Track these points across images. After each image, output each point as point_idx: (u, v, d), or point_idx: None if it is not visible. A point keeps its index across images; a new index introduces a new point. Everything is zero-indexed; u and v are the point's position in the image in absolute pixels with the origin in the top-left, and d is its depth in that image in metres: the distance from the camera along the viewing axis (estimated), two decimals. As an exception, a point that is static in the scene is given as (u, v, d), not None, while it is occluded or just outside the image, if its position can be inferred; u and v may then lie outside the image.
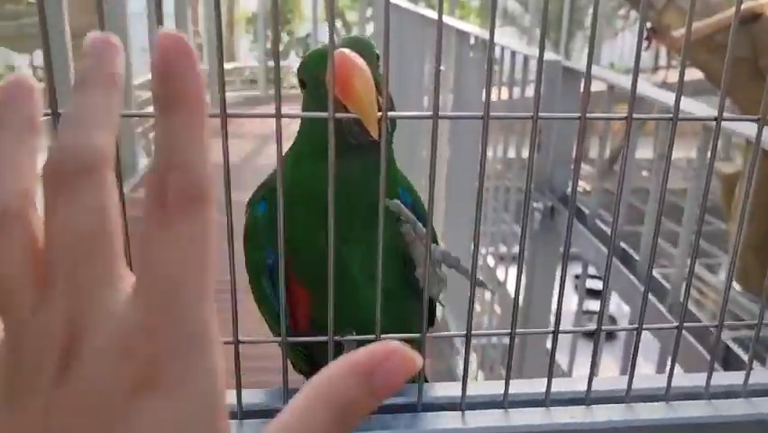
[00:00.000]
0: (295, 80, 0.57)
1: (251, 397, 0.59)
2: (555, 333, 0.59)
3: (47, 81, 0.47)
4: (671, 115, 0.55)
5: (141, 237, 0.20)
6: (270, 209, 0.59)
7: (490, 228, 2.94)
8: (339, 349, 0.55)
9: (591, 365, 0.62)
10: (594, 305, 4.07)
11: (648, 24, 4.45)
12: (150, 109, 0.28)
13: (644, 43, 4.72)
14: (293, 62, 11.14)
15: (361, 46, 0.53)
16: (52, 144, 0.21)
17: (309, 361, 0.68)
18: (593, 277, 4.38)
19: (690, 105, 1.72)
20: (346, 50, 0.50)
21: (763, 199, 3.02)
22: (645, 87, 2.06)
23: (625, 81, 2.09)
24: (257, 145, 5.99)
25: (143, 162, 7.16)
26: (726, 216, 3.95)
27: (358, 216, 0.56)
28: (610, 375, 1.28)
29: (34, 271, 0.21)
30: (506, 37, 3.68)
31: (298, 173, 0.57)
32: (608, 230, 1.96)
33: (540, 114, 0.54)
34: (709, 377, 0.62)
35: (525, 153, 2.88)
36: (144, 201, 0.20)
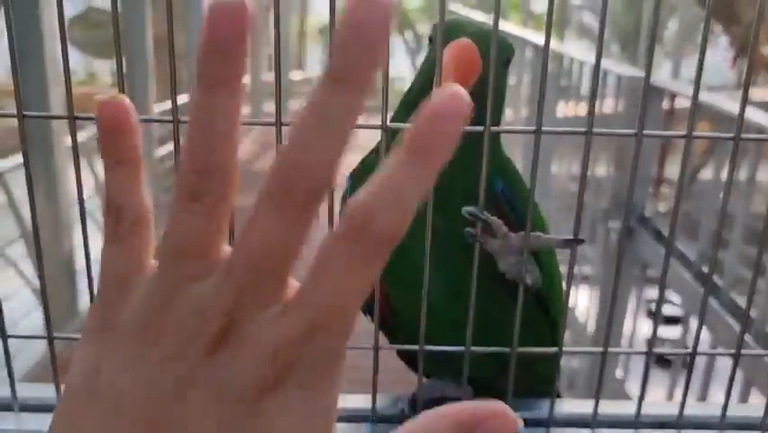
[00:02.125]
0: None
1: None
2: (604, 354, 0.58)
3: (118, 86, 0.48)
4: (732, 135, 0.53)
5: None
6: (354, 185, 0.62)
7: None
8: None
9: (642, 385, 0.61)
10: (669, 332, 3.92)
11: (731, 40, 4.28)
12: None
13: (730, 61, 4.53)
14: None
15: (486, 42, 0.54)
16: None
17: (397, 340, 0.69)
18: (670, 303, 4.21)
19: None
20: (466, 41, 0.51)
21: None
22: (729, 105, 1.99)
23: (708, 98, 2.02)
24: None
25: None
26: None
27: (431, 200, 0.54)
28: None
29: (214, 245, 0.21)
30: (582, 50, 3.61)
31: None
32: (688, 253, 1.90)
33: (594, 129, 0.53)
34: None
35: (601, 172, 2.80)
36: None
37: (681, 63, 8.86)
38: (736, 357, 0.60)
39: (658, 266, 2.04)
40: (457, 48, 0.50)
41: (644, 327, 2.71)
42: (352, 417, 0.60)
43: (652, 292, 3.47)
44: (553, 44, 3.32)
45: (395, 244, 0.19)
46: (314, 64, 12.05)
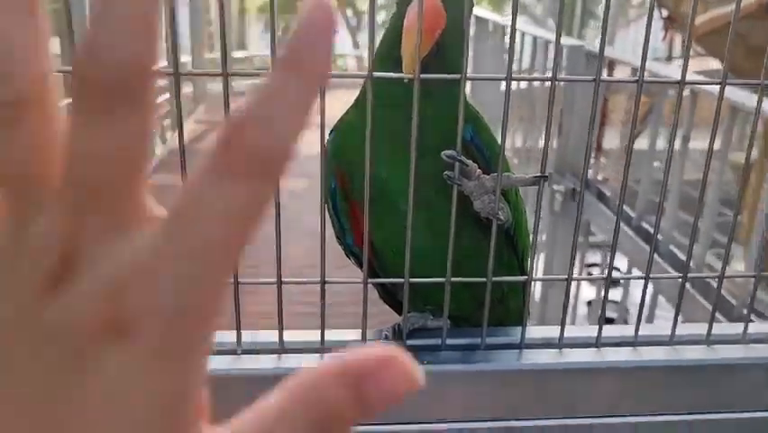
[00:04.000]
0: None
1: (333, 335, 0.65)
2: (569, 280, 0.65)
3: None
4: (636, 78, 0.61)
5: (190, 178, 0.16)
6: (335, 139, 0.69)
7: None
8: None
9: (602, 310, 0.69)
10: (612, 294, 4.12)
11: (665, 13, 4.46)
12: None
13: (661, 33, 4.72)
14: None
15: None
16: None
17: (384, 286, 0.77)
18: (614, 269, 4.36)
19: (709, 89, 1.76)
20: (437, 4, 0.57)
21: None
22: (664, 69, 2.12)
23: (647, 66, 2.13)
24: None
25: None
26: (741, 206, 3.98)
27: (406, 147, 0.58)
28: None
29: (46, 172, 0.17)
30: (520, 24, 3.71)
31: (360, 112, 0.63)
32: (630, 212, 2.02)
33: (558, 77, 0.59)
34: (711, 325, 0.68)
35: (543, 141, 2.90)
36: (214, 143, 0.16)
37: (615, 34, 9.11)
38: (684, 279, 0.68)
39: (600, 225, 2.16)
40: (422, 2, 0.55)
41: (586, 291, 2.86)
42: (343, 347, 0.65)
43: (593, 257, 3.63)
44: (498, 18, 3.40)
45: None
46: (255, 42, 11.81)
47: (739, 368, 0.67)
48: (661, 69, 2.23)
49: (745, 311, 0.97)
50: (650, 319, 1.93)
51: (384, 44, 0.64)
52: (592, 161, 2.44)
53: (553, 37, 2.28)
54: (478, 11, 3.86)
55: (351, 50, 11.17)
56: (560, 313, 0.68)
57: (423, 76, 0.55)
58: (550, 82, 0.61)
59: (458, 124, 0.58)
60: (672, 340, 0.69)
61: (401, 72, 0.57)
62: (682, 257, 1.93)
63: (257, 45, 11.67)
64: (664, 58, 8.47)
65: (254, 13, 11.97)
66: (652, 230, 0.74)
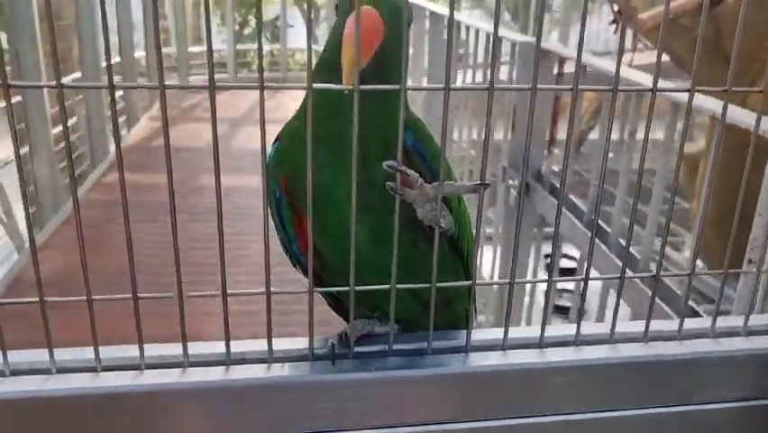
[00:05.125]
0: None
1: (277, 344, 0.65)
2: (511, 284, 0.66)
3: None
4: (611, 87, 0.63)
5: None
6: (279, 147, 0.70)
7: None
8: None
9: (544, 311, 0.70)
10: (565, 284, 4.21)
11: (615, 7, 4.56)
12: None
13: (612, 26, 4.83)
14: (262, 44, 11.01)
15: (387, 7, 0.60)
16: None
17: (332, 294, 0.78)
18: (567, 257, 4.49)
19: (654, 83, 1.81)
20: (369, 9, 0.57)
21: (722, 177, 3.15)
22: (611, 67, 2.16)
23: (595, 62, 2.18)
24: (228, 129, 6.00)
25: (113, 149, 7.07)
26: (690, 196, 4.11)
27: (348, 154, 0.57)
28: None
29: None
30: (474, 20, 3.74)
31: (303, 122, 0.63)
32: (580, 204, 2.06)
33: (495, 85, 0.60)
34: (648, 323, 0.71)
35: (498, 136, 2.96)
36: None
37: (569, 31, 9.27)
38: (621, 280, 0.70)
39: (553, 217, 2.20)
40: (359, 14, 0.55)
41: (542, 274, 2.92)
42: (291, 357, 0.65)
43: (548, 248, 3.72)
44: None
45: None
46: (213, 36, 11.56)
47: (675, 364, 0.69)
48: (610, 64, 2.27)
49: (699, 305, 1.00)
50: (602, 307, 1.98)
51: (327, 51, 0.64)
52: (546, 153, 2.49)
53: (507, 33, 2.30)
54: (435, 7, 3.88)
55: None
56: (520, 308, 0.69)
57: (362, 87, 0.56)
58: (498, 80, 0.62)
59: (398, 132, 0.58)
60: (612, 338, 0.71)
61: (341, 80, 0.58)
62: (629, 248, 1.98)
63: (215, 38, 11.47)
64: (617, 51, 8.65)
65: (210, 6, 11.75)
66: (602, 222, 0.76)
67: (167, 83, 0.54)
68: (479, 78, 3.08)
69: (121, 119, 7.21)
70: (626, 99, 2.05)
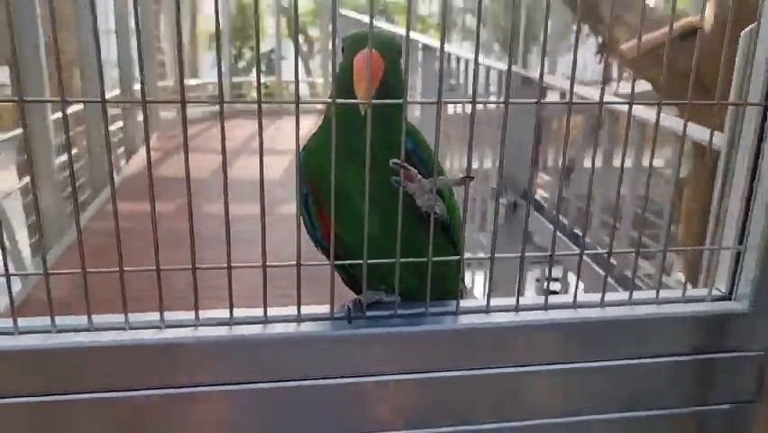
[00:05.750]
0: (256, 94, 0.80)
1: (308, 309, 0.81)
2: (492, 259, 0.83)
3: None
4: (567, 100, 0.80)
5: None
6: (306, 155, 0.87)
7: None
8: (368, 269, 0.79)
9: (518, 283, 0.87)
10: (557, 272, 4.37)
11: (600, 39, 4.81)
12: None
13: (598, 56, 5.06)
14: (254, 78, 11.35)
15: (385, 47, 0.78)
16: None
17: (348, 272, 0.95)
18: (555, 280, 4.63)
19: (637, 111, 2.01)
20: (371, 52, 0.74)
21: (701, 199, 3.34)
22: (595, 95, 2.35)
23: (580, 90, 2.37)
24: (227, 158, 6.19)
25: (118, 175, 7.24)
26: (676, 219, 4.30)
27: (362, 158, 0.75)
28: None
29: None
30: (464, 51, 3.97)
31: (325, 134, 0.81)
32: (564, 220, 2.24)
33: (510, 100, 0.78)
34: (603, 293, 0.88)
35: (486, 164, 3.15)
36: None
37: (557, 61, 9.58)
38: (610, 254, 0.87)
39: (540, 233, 2.37)
40: (364, 55, 0.74)
41: (530, 292, 3.08)
42: (316, 318, 0.81)
43: (537, 272, 3.89)
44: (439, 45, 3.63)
45: None
46: (207, 70, 11.90)
47: (625, 323, 0.86)
48: (595, 93, 2.48)
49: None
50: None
51: (339, 82, 0.82)
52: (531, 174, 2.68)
53: (495, 63, 2.51)
54: (425, 39, 4.11)
55: (303, 77, 11.35)
56: (510, 292, 0.86)
57: (374, 101, 0.73)
58: (484, 104, 0.80)
59: (401, 138, 0.75)
60: (575, 304, 0.87)
61: (355, 105, 0.75)
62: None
63: (209, 72, 11.78)
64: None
65: (205, 40, 12.08)
66: (597, 253, 0.94)
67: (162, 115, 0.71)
68: (468, 109, 3.27)
69: (120, 150, 7.41)
70: (613, 124, 2.22)
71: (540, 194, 2.84)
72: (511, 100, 0.79)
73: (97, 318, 0.77)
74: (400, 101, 0.75)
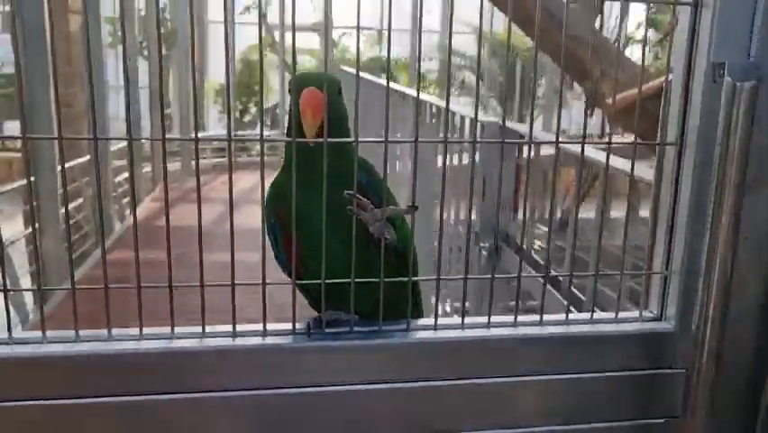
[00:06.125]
0: (258, 148, 0.91)
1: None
2: (465, 279, 0.93)
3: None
4: (526, 140, 0.92)
5: None
6: (272, 190, 0.99)
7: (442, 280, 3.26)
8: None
9: (462, 304, 0.96)
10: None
11: (587, 93, 5.00)
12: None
13: (587, 111, 5.26)
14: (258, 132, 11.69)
15: (323, 83, 0.89)
16: None
17: (312, 296, 1.03)
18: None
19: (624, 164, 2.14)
20: (312, 89, 0.86)
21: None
22: (589, 150, 2.48)
23: (570, 146, 2.51)
24: (224, 210, 6.33)
25: (119, 225, 7.37)
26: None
27: (319, 191, 0.86)
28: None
29: None
30: (460, 106, 4.13)
31: (286, 174, 0.92)
32: (540, 260, 2.33)
33: (449, 140, 0.90)
34: (542, 313, 0.97)
35: (473, 214, 3.26)
36: None
37: (552, 117, 9.81)
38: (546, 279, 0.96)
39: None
40: (306, 94, 0.87)
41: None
42: (279, 332, 0.91)
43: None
44: (437, 101, 3.82)
45: None
46: (213, 123, 12.24)
47: (562, 340, 0.95)
48: (586, 147, 2.61)
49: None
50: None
51: (293, 120, 0.93)
52: (511, 220, 2.79)
53: (488, 118, 2.64)
54: (395, 85, 4.32)
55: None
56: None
57: (330, 140, 0.84)
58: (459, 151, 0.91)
59: (354, 171, 0.87)
60: (515, 323, 0.96)
61: (304, 137, 0.87)
62: (581, 295, 2.25)
63: (215, 125, 12.12)
64: (597, 135, 9.19)
65: (212, 95, 12.45)
66: (558, 276, 1.03)
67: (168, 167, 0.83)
68: (465, 160, 3.41)
69: (124, 200, 7.60)
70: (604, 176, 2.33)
71: (537, 244, 2.95)
72: (479, 140, 0.90)
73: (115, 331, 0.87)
74: (351, 139, 0.87)
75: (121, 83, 7.47)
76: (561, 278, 2.24)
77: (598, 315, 0.99)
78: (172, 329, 0.88)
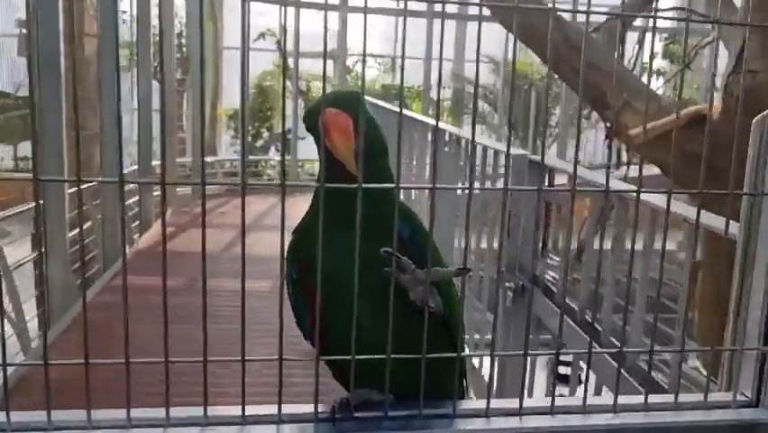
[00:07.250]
0: (272, 172, 0.76)
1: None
2: (492, 355, 0.76)
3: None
4: (569, 187, 0.76)
5: None
6: (297, 238, 0.83)
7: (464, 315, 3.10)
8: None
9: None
10: (562, 389, 4.20)
11: (608, 124, 4.85)
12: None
13: (606, 141, 5.09)
14: (273, 156, 11.72)
15: (344, 101, 0.74)
16: None
17: (337, 365, 0.86)
18: (564, 364, 4.49)
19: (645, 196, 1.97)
20: (333, 110, 0.70)
21: (716, 283, 3.22)
22: (603, 180, 2.32)
23: (588, 174, 2.35)
24: (235, 236, 6.20)
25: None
26: (692, 305, 4.16)
27: (349, 241, 0.70)
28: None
29: None
30: (479, 137, 4.00)
31: (313, 220, 0.76)
32: (575, 306, 2.16)
33: (475, 187, 0.74)
34: (616, 397, 0.80)
35: (496, 245, 3.10)
36: None
37: (566, 146, 9.69)
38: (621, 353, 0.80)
39: (549, 316, 2.29)
40: (327, 117, 0.71)
41: (540, 378, 2.96)
42: (297, 418, 0.74)
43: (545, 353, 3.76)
44: (453, 129, 3.68)
45: None
46: (225, 147, 12.22)
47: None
48: (603, 177, 2.45)
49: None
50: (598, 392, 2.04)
51: (323, 160, 0.77)
52: (539, 258, 2.62)
53: (502, 147, 2.51)
54: (430, 119, 4.16)
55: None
56: (516, 387, 0.78)
57: (364, 186, 0.69)
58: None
59: (394, 222, 0.71)
60: (584, 408, 0.79)
61: (343, 172, 0.71)
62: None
63: (228, 150, 12.07)
64: (614, 165, 9.03)
65: (224, 120, 12.41)
66: (627, 351, 0.87)
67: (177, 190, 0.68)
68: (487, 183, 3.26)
69: (134, 224, 7.47)
70: (622, 207, 2.18)
71: (550, 275, 2.77)
72: (510, 187, 0.74)
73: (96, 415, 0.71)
74: (392, 185, 0.71)
75: (134, 105, 7.40)
76: (597, 326, 2.07)
77: (684, 397, 0.82)
78: (167, 413, 0.72)
